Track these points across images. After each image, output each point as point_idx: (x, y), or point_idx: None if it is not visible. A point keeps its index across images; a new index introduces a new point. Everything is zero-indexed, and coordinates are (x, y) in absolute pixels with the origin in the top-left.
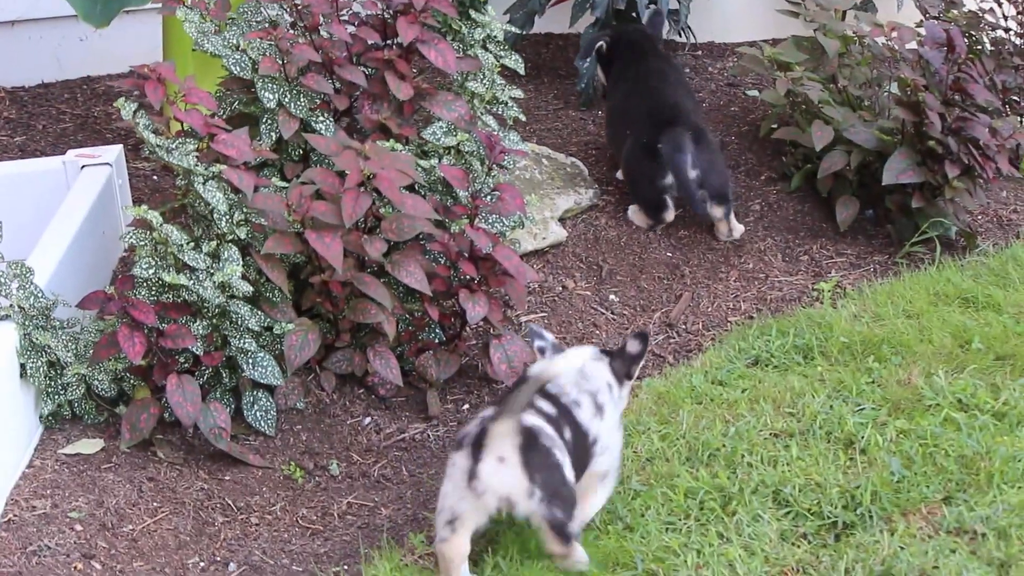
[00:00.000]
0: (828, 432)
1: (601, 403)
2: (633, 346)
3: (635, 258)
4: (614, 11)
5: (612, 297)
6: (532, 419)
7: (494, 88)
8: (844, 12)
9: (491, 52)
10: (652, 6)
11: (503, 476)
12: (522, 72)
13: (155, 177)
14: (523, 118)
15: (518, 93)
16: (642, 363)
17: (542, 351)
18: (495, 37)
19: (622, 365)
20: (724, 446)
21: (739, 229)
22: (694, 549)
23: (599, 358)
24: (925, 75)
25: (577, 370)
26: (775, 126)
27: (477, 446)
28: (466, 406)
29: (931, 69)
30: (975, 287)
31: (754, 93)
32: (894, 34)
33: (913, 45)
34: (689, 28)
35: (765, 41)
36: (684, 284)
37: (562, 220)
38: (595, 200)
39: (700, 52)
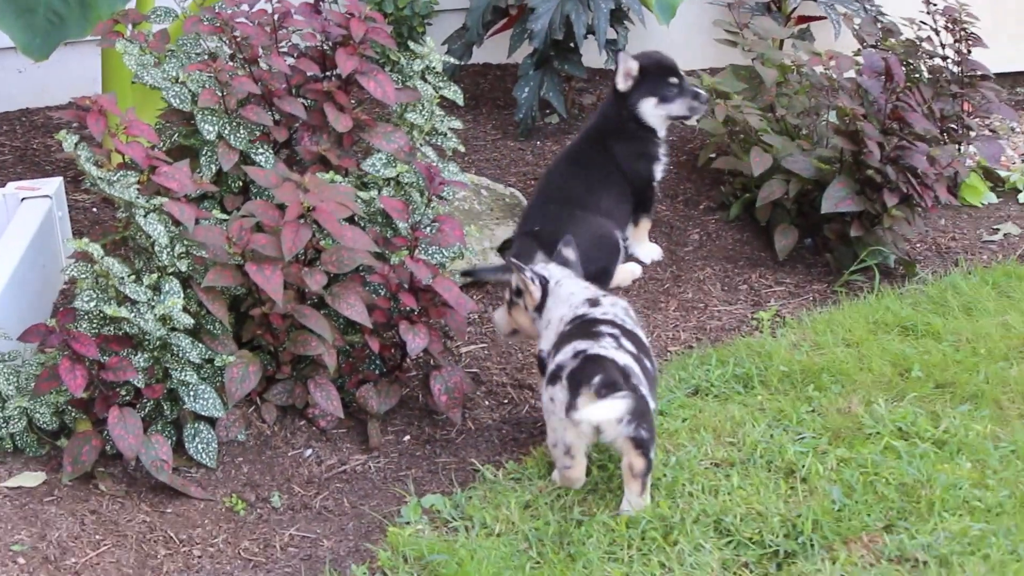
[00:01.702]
0: (769, 461)
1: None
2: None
3: None
4: (552, 41)
5: None
6: (619, 355)
7: (433, 119)
8: (782, 41)
9: (430, 83)
10: (590, 36)
11: (598, 407)
12: (461, 103)
13: (95, 209)
14: (462, 149)
15: (457, 124)
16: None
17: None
18: (434, 68)
19: None
20: (665, 476)
21: None
22: None
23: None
24: (864, 104)
25: (624, 307)
26: (713, 155)
27: (574, 380)
28: (407, 437)
29: (869, 98)
30: (914, 315)
31: (692, 122)
32: (832, 63)
33: (851, 74)
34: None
35: (704, 70)
36: None
37: (501, 251)
38: None
39: None
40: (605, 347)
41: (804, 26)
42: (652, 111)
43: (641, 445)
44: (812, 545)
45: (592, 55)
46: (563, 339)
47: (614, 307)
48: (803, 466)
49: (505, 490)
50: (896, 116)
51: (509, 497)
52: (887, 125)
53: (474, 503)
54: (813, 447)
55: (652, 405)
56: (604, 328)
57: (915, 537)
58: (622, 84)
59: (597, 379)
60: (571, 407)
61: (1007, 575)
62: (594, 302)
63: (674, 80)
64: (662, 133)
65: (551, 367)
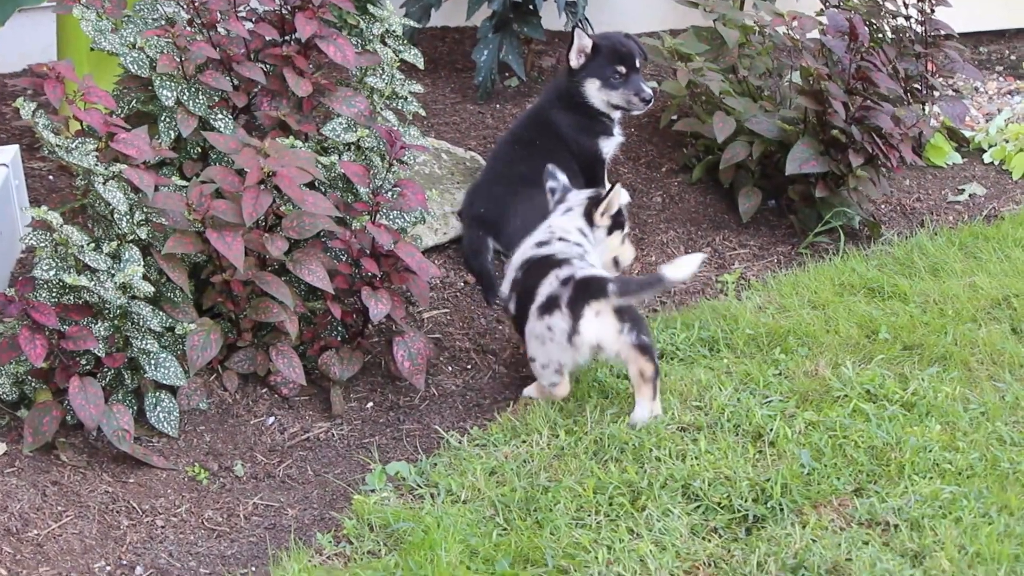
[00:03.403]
0: (736, 425)
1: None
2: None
3: None
4: (511, 4)
5: None
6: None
7: (393, 83)
8: (743, 1)
9: (390, 47)
10: None
11: (599, 327)
12: (421, 66)
13: (51, 177)
14: (423, 113)
15: (418, 88)
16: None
17: (552, 191)
18: (393, 31)
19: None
20: (632, 441)
21: None
22: (604, 545)
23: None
24: (828, 64)
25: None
26: (675, 117)
27: (575, 307)
28: (370, 404)
29: (834, 58)
30: (880, 277)
31: (653, 84)
32: (795, 23)
33: (815, 34)
34: (587, 20)
35: (665, 31)
36: None
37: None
38: None
39: None
40: (584, 266)
41: None
42: (595, 93)
43: (646, 350)
44: (781, 509)
45: (551, 17)
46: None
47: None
48: (771, 430)
49: (470, 456)
50: (861, 76)
51: (474, 464)
52: (852, 85)
53: (439, 470)
54: (781, 410)
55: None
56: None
57: (885, 500)
58: (574, 60)
59: (612, 286)
60: (573, 331)
61: (979, 538)
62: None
63: (622, 69)
64: (615, 115)
65: (542, 299)
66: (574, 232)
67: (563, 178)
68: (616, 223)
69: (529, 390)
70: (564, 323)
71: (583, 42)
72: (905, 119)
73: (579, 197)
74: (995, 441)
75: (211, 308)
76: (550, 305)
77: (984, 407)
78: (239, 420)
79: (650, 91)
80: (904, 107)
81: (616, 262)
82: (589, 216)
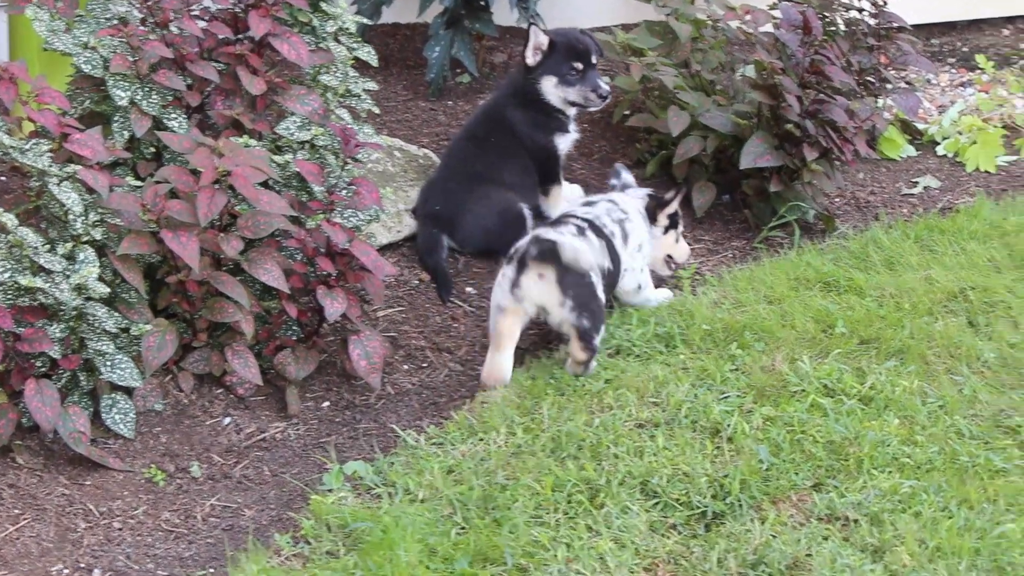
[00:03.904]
0: (694, 421)
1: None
2: (669, 194)
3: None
4: (463, 0)
5: (469, 289)
6: (573, 240)
7: (347, 81)
8: None
9: (343, 44)
10: None
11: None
12: (375, 64)
13: (3, 178)
14: (377, 111)
15: (372, 86)
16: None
17: (613, 188)
18: (347, 29)
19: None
20: (589, 437)
21: None
22: (564, 543)
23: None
24: (782, 58)
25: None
26: (628, 112)
27: (522, 263)
28: (326, 403)
29: (788, 52)
30: (836, 270)
31: (607, 80)
32: (748, 17)
33: (768, 28)
34: (538, 15)
35: (617, 26)
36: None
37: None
38: None
39: None
40: (562, 233)
41: None
42: (552, 90)
43: (584, 336)
44: (740, 505)
45: (503, 13)
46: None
47: (598, 209)
48: (729, 425)
49: (427, 455)
50: (815, 70)
51: (432, 462)
52: (805, 79)
53: (396, 469)
54: (738, 406)
55: (602, 300)
56: (574, 221)
57: (845, 495)
58: (531, 57)
59: (534, 249)
60: (515, 284)
61: (939, 532)
62: (588, 203)
63: (579, 65)
64: (571, 112)
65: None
66: (635, 215)
67: (628, 177)
68: (672, 222)
69: (483, 374)
70: (511, 273)
71: (539, 39)
72: (859, 112)
73: (640, 192)
74: (954, 435)
75: (166, 308)
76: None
77: (942, 400)
78: (195, 421)
79: (607, 87)
80: (858, 100)
81: (670, 259)
82: (651, 214)
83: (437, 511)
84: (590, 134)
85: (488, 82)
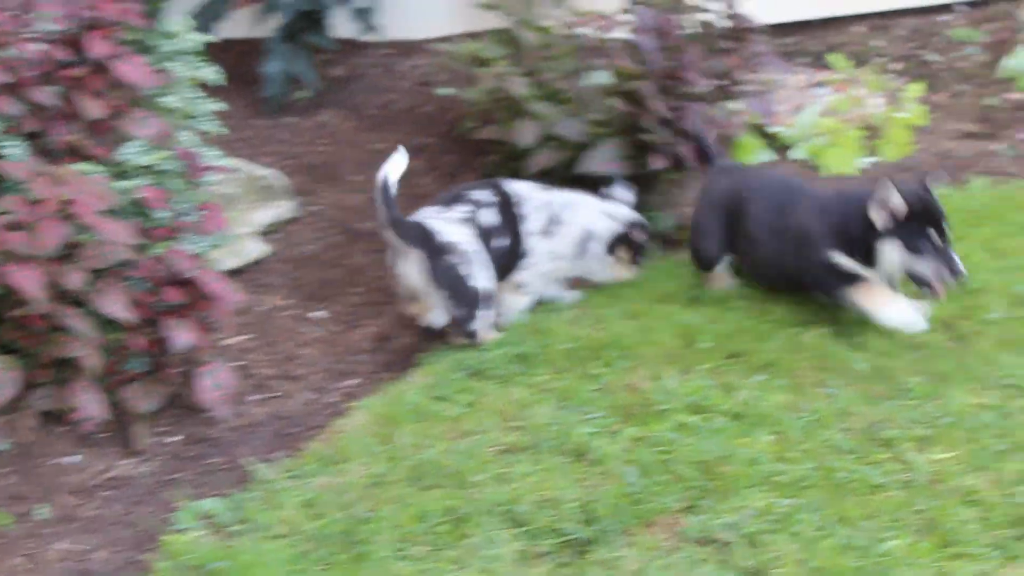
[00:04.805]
0: (559, 444)
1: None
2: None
3: (341, 272)
4: (300, 13)
5: (321, 313)
6: (450, 228)
7: (193, 103)
8: None
9: (187, 65)
10: (339, 5)
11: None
12: (223, 84)
13: None
14: (225, 131)
15: (217, 106)
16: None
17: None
18: (189, 49)
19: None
20: (451, 465)
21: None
22: None
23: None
24: (638, 64)
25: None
26: (473, 125)
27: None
28: (176, 437)
29: (644, 57)
30: (698, 282)
31: (448, 91)
32: (601, 23)
33: (620, 34)
34: (374, 28)
35: (461, 35)
36: (391, 296)
37: (263, 234)
38: (296, 212)
39: (390, 51)
40: (447, 219)
41: None
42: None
43: (459, 324)
44: (611, 531)
45: (343, 26)
46: None
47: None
48: (595, 448)
49: (284, 489)
50: (672, 74)
51: (289, 496)
52: (663, 84)
53: (252, 505)
54: (604, 427)
55: (480, 286)
56: (463, 207)
57: (718, 516)
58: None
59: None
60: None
61: (819, 551)
62: None
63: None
64: None
65: None
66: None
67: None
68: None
69: None
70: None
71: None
72: (716, 118)
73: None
74: (828, 450)
75: (6, 344)
76: None
77: (815, 414)
78: (41, 460)
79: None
80: (716, 105)
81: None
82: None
83: (296, 547)
84: (437, 148)
85: (327, 96)
